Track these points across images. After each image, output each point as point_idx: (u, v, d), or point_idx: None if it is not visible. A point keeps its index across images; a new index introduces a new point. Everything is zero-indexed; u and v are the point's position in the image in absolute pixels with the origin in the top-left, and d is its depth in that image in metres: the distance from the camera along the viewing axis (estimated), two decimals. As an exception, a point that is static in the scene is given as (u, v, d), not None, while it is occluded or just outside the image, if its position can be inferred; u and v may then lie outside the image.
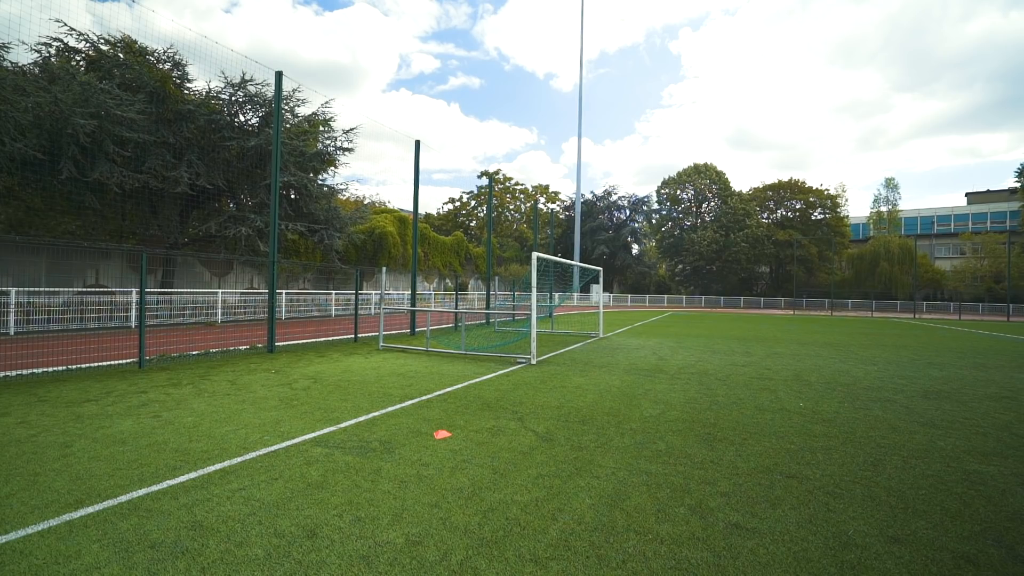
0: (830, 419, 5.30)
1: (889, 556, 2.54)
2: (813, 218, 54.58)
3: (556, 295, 19.63)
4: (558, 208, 62.64)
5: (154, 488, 3.18)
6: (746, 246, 52.51)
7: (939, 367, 9.46)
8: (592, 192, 62.75)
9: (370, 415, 5.13)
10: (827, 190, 54.45)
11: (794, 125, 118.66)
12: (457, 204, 59.25)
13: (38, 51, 14.18)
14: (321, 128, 19.58)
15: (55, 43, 14.36)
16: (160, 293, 15.63)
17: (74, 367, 7.27)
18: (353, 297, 20.68)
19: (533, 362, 8.98)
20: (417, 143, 14.08)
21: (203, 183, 15.58)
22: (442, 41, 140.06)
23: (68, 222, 14.36)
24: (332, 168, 20.58)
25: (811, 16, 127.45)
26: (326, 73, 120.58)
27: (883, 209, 57.19)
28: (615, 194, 62.16)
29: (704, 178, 57.77)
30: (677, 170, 65.01)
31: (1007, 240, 41.61)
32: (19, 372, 6.78)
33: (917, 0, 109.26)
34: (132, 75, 14.40)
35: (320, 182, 19.80)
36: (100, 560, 2.35)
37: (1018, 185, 47.38)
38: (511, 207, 61.10)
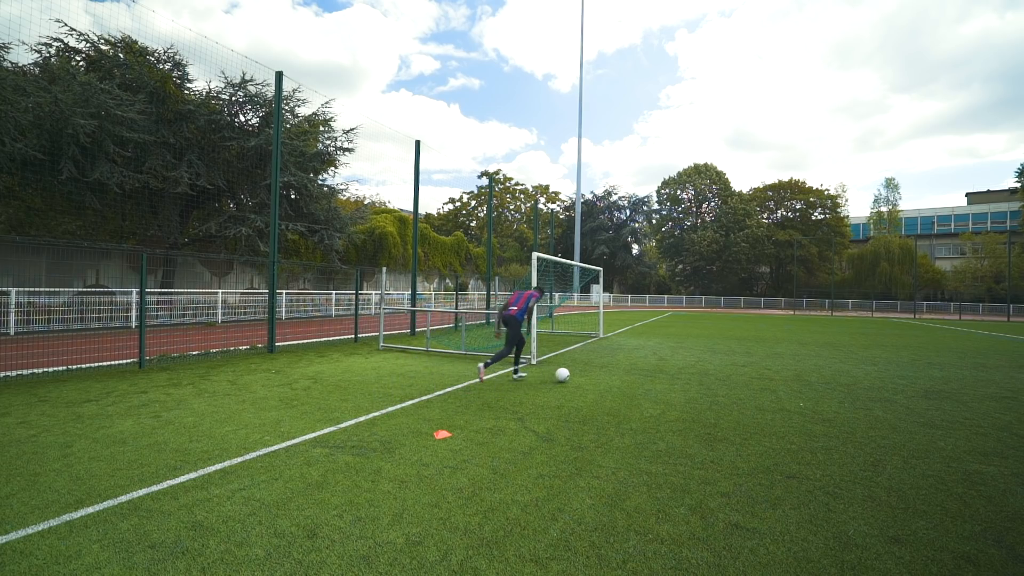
0: (830, 419, 5.30)
1: (889, 556, 2.53)
2: (813, 218, 54.58)
3: (556, 295, 19.61)
4: (558, 208, 62.62)
5: (154, 488, 3.18)
6: (746, 246, 52.51)
7: (939, 367, 9.46)
8: (592, 192, 62.82)
9: (370, 415, 5.13)
10: (827, 190, 54.46)
11: (792, 126, 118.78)
12: (457, 204, 59.29)
13: (38, 51, 14.18)
14: (321, 128, 19.57)
15: (55, 43, 14.36)
16: (160, 293, 15.63)
17: (74, 367, 7.27)
18: (353, 297, 20.68)
19: (533, 362, 8.97)
20: (417, 143, 14.08)
21: (203, 183, 15.58)
22: (441, 42, 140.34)
23: (68, 222, 14.36)
24: (332, 168, 20.58)
25: (807, 17, 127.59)
26: (326, 73, 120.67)
27: (883, 209, 57.19)
28: (615, 194, 62.18)
29: (704, 178, 57.74)
30: (676, 170, 65.08)
31: (1007, 240, 41.57)
32: (19, 372, 6.78)
33: (913, 1, 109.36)
34: (132, 75, 14.40)
35: (320, 182, 19.79)
36: (100, 560, 2.35)
37: (1018, 185, 47.36)
38: (511, 207, 61.15)
